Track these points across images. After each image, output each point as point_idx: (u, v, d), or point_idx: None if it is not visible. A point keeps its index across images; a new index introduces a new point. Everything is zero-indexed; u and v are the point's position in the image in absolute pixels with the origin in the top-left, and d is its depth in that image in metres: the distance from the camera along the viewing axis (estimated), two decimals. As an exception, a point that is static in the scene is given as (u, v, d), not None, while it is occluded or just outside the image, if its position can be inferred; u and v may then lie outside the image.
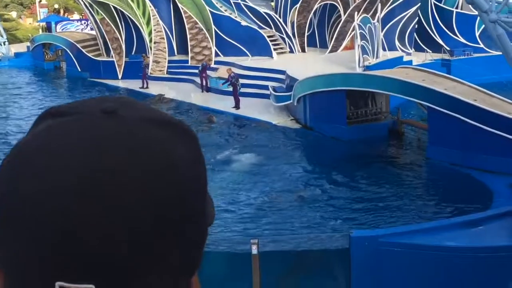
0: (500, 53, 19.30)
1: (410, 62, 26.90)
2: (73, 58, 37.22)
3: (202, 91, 29.83)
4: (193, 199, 0.75)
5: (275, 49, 31.97)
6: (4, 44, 45.89)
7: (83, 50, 36.35)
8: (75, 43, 37.04)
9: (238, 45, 32.13)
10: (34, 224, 0.69)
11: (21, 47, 46.58)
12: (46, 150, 0.71)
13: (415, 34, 31.32)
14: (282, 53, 32.30)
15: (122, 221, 0.69)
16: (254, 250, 10.69)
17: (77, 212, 0.68)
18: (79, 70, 36.65)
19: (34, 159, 0.71)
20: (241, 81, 27.38)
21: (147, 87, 31.91)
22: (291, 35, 33.19)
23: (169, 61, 33.63)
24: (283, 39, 32.96)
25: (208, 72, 30.02)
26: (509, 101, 17.42)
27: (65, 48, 38.38)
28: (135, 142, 0.72)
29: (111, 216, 0.69)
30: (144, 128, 0.73)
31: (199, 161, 0.78)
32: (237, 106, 26.52)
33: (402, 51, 29.84)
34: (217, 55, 32.48)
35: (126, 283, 0.71)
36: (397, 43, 30.07)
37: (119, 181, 0.69)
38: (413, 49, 30.92)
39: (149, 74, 32.69)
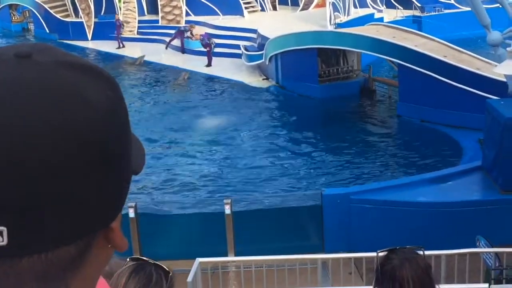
0: (470, 9, 19.38)
1: (381, 19, 26.85)
2: (41, 20, 36.45)
3: (166, 48, 29.68)
4: (107, 140, 0.75)
5: (246, 8, 31.64)
6: (-31, 6, 44.78)
7: (51, 11, 35.58)
8: (42, 4, 36.18)
9: (209, 4, 31.74)
10: None
11: (-13, 9, 45.51)
12: None
13: (386, -10, 31.22)
14: (253, 11, 31.99)
15: (27, 159, 0.69)
16: (227, 209, 10.79)
17: None
18: (48, 31, 35.93)
19: None
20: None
21: (123, 47, 31.49)
22: (262, -7, 32.88)
23: (139, 21, 33.13)
24: (254, -3, 32.65)
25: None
26: (479, 57, 17.54)
27: (33, 9, 37.52)
28: (46, 83, 0.72)
29: (17, 154, 0.69)
30: (57, 71, 0.74)
31: (115, 102, 0.78)
32: (209, 64, 26.43)
33: (373, 8, 29.73)
34: (187, 14, 32.07)
35: (39, 225, 0.70)
36: (368, 0, 29.95)
37: (28, 120, 0.70)
38: (384, 6, 30.80)
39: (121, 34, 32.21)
